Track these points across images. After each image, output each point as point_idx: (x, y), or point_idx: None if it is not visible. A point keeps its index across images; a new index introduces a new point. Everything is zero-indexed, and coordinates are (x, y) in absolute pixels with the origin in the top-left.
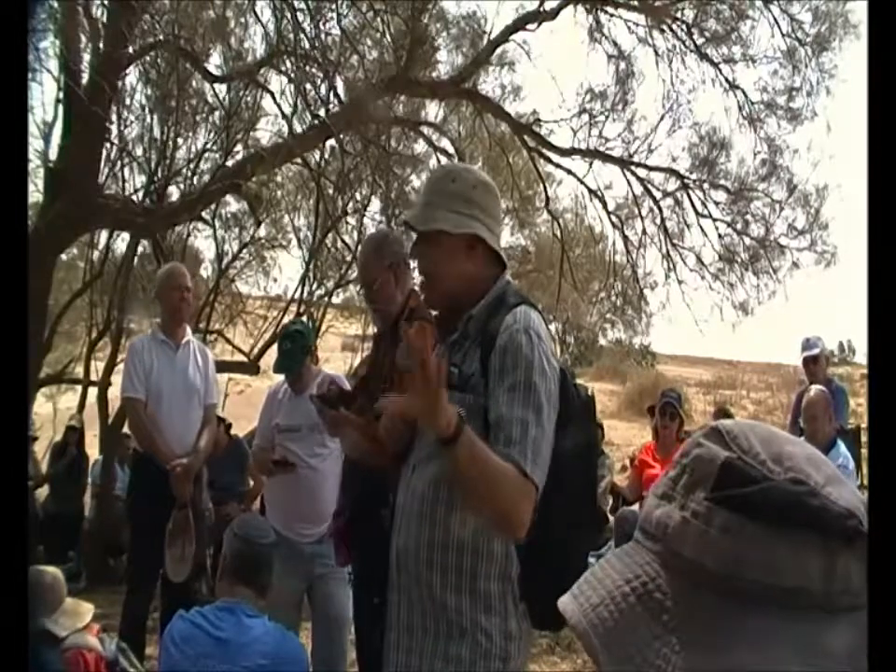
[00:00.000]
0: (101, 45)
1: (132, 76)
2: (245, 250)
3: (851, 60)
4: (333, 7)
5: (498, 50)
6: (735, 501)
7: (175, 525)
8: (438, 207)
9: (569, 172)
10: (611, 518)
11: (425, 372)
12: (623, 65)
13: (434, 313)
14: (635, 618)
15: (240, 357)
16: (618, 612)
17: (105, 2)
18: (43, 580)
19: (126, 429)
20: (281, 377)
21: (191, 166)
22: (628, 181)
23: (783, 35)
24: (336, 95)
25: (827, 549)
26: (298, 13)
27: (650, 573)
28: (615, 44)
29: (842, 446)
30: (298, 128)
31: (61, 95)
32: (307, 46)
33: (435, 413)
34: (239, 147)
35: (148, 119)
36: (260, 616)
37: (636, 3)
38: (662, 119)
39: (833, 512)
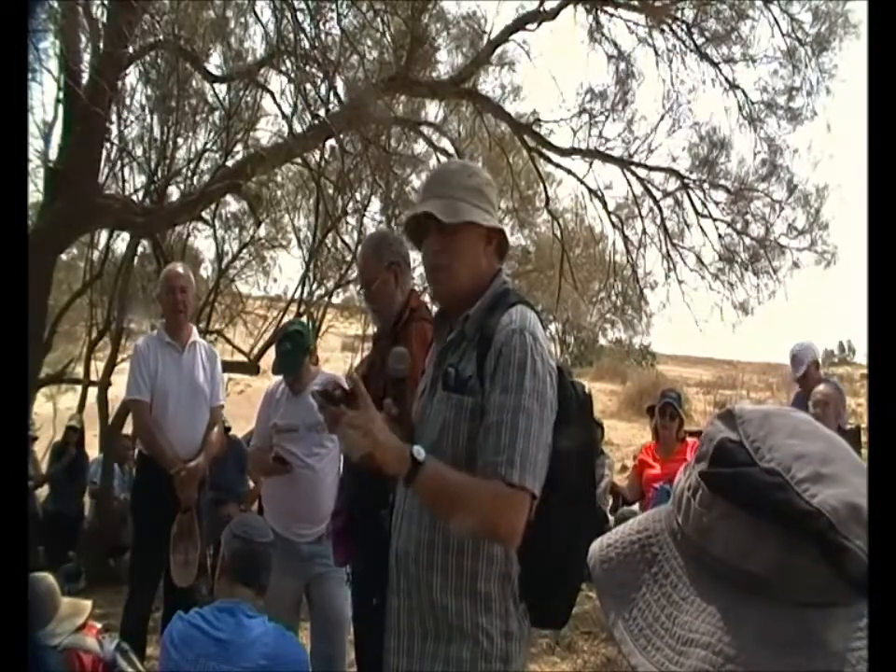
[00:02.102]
0: (101, 45)
1: (132, 76)
2: (245, 250)
3: (851, 60)
4: (333, 7)
5: (498, 50)
6: (714, 480)
7: (180, 529)
8: (461, 200)
9: (569, 172)
10: (611, 518)
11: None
12: (622, 65)
13: (434, 310)
14: (633, 563)
15: (240, 357)
16: (622, 555)
17: (105, 2)
18: (38, 589)
19: (126, 430)
20: (279, 377)
21: (191, 166)
22: (628, 181)
23: (783, 35)
24: (336, 95)
25: (786, 543)
26: (298, 13)
27: (656, 529)
28: (615, 44)
29: None
30: (298, 128)
31: (61, 95)
32: (307, 46)
33: (378, 448)
34: (239, 147)
35: (148, 119)
36: (260, 616)
37: (636, 3)
38: (662, 118)
39: (799, 509)
